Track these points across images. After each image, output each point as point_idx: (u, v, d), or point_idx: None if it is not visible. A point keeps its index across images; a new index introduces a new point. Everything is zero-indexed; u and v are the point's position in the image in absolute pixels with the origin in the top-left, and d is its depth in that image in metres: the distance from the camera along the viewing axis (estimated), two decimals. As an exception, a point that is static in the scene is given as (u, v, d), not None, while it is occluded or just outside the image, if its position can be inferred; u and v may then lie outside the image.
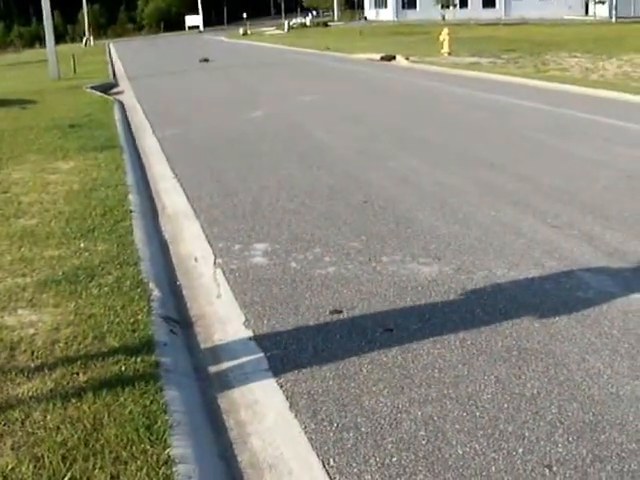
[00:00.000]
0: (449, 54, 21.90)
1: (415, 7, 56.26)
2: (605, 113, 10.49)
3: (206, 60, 23.84)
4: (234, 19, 67.26)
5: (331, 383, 3.02)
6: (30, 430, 2.55)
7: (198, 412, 2.83)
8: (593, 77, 15.10)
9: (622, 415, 2.76)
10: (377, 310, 3.75)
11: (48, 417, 2.63)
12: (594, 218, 5.25)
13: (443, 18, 48.23)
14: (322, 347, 3.34)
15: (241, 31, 50.03)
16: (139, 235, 4.83)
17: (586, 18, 50.38)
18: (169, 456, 2.39)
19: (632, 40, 25.02)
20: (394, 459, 2.53)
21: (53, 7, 20.32)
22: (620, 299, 3.81)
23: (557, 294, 3.92)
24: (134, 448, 2.44)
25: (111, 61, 26.61)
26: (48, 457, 2.39)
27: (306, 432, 2.69)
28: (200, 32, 61.37)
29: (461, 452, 2.56)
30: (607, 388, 2.95)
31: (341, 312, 3.73)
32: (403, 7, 56.47)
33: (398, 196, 6.03)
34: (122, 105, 12.99)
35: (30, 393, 2.80)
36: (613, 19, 44.50)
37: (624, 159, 7.37)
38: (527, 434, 2.65)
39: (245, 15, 57.94)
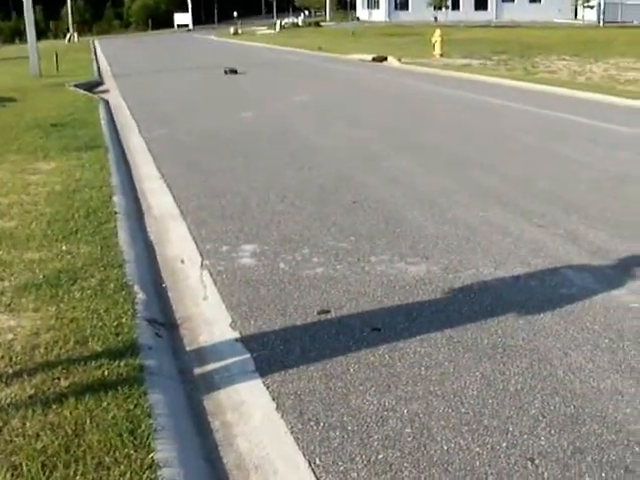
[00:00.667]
0: (441, 55, 21.97)
1: (407, 8, 56.42)
2: (591, 115, 10.57)
3: (234, 71, 18.41)
4: (225, 18, 66.53)
5: (318, 383, 3.01)
6: (8, 438, 2.48)
7: (183, 415, 2.80)
8: (580, 80, 15.20)
9: (602, 408, 2.80)
10: (365, 310, 3.75)
11: (27, 424, 2.55)
12: (579, 218, 5.29)
13: (435, 20, 48.39)
14: (309, 347, 3.33)
15: (232, 30, 49.51)
16: (124, 237, 4.74)
17: (575, 22, 50.77)
18: (153, 460, 2.36)
19: (618, 44, 25.28)
20: (380, 456, 2.53)
21: (35, 2, 19.79)
22: (602, 295, 3.86)
23: (542, 291, 3.96)
24: (117, 453, 2.39)
25: (96, 58, 26.09)
26: (27, 465, 2.32)
27: (292, 432, 2.68)
28: (189, 31, 60.62)
29: (446, 448, 2.56)
30: (588, 382, 2.98)
31: (329, 312, 3.73)
32: (395, 8, 56.62)
33: (388, 196, 6.03)
34: (107, 104, 12.76)
35: (8, 400, 2.70)
36: (601, 23, 44.96)
37: (608, 161, 7.44)
38: (511, 428, 2.67)
39: (236, 14, 57.40)
